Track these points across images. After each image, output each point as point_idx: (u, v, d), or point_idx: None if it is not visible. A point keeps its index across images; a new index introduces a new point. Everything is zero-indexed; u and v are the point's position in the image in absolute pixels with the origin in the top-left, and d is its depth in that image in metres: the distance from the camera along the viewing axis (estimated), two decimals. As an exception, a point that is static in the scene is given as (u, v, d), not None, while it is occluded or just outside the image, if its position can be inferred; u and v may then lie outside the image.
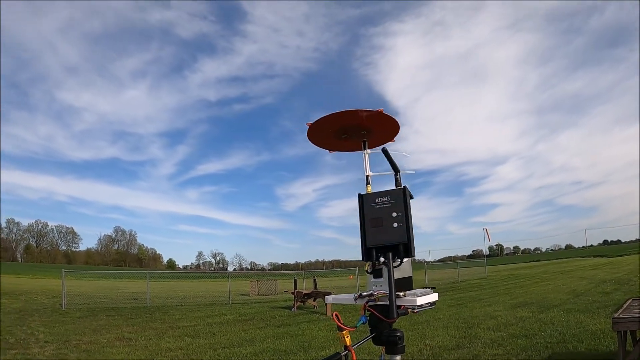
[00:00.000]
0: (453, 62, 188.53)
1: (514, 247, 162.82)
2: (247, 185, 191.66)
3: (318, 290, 16.19)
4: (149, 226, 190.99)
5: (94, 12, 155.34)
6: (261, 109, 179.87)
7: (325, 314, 13.35)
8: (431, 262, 69.68)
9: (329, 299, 1.71)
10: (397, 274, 1.43)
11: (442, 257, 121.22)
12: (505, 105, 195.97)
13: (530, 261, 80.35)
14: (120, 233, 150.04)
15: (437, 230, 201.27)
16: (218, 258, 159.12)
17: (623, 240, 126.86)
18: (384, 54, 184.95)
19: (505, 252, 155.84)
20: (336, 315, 1.39)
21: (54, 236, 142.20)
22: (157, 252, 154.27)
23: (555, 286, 19.55)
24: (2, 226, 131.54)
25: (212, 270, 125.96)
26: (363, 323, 1.43)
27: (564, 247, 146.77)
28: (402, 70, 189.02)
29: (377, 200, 1.50)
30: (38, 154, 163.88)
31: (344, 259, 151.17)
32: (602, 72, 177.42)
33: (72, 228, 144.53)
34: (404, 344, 1.42)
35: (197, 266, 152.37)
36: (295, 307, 15.36)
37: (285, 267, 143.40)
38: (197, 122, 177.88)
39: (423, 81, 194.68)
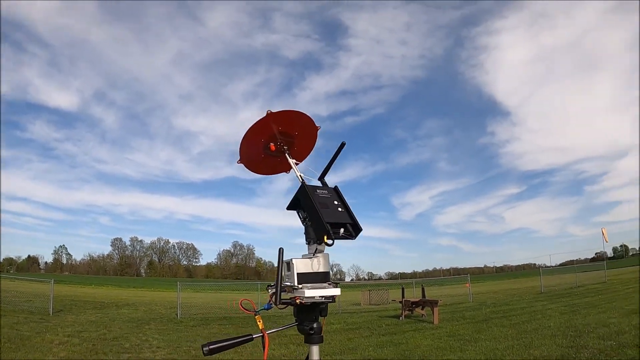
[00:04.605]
0: (562, 52, 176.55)
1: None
2: (363, 196, 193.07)
3: (426, 298, 16.48)
4: (266, 240, 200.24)
5: (202, 43, 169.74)
6: (372, 120, 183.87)
7: (433, 323, 13.69)
8: (551, 267, 65.44)
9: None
10: (311, 269, 1.60)
11: (563, 261, 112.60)
12: (621, 94, 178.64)
13: (656, 262, 71.51)
14: (238, 248, 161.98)
15: (558, 233, 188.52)
16: (335, 269, 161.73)
17: None
18: (489, 53, 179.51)
19: (630, 254, 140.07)
20: (241, 303, 1.65)
21: (175, 252, 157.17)
22: (275, 265, 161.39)
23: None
24: (127, 244, 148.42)
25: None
26: (265, 309, 1.57)
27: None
28: (510, 68, 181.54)
29: (318, 191, 1.71)
30: (159, 177, 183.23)
31: (462, 267, 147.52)
32: None
33: (192, 244, 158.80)
34: (320, 335, 1.58)
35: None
36: (403, 316, 15.81)
37: (402, 276, 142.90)
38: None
39: (533, 77, 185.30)
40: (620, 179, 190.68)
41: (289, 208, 1.78)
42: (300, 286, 1.55)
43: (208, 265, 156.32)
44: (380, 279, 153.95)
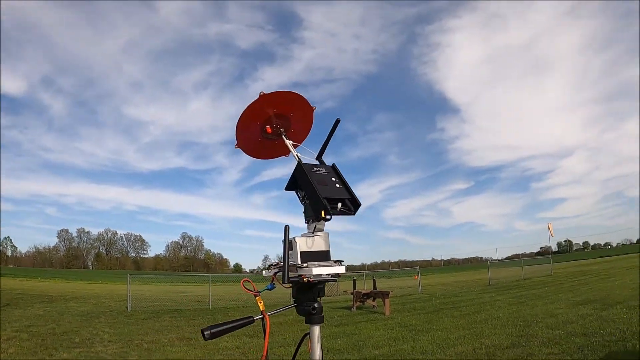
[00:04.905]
0: (514, 53, 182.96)
1: (583, 243, 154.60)
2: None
3: (377, 290, 16.41)
4: (215, 232, 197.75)
5: (153, 31, 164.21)
6: (323, 113, 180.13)
7: (385, 314, 13.62)
8: (497, 260, 67.85)
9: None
10: (312, 248, 1.56)
11: (509, 255, 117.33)
12: (569, 95, 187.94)
13: (599, 257, 75.69)
14: (187, 239, 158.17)
15: (505, 227, 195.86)
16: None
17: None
18: (441, 51, 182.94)
19: (574, 248, 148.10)
20: (243, 283, 1.54)
21: (123, 244, 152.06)
22: (224, 257, 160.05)
23: (622, 282, 18.77)
24: (73, 235, 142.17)
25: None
26: (268, 289, 1.55)
27: (635, 241, 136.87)
28: (461, 67, 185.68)
29: (315, 169, 1.68)
30: (107, 166, 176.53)
31: (410, 259, 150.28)
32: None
33: (140, 236, 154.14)
34: (321, 315, 1.57)
35: (263, 270, 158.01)
36: (355, 307, 15.71)
37: (350, 268, 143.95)
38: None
39: (484, 76, 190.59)
40: (565, 176, 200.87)
41: (287, 188, 1.74)
42: (305, 264, 1.52)
43: (156, 257, 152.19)
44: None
